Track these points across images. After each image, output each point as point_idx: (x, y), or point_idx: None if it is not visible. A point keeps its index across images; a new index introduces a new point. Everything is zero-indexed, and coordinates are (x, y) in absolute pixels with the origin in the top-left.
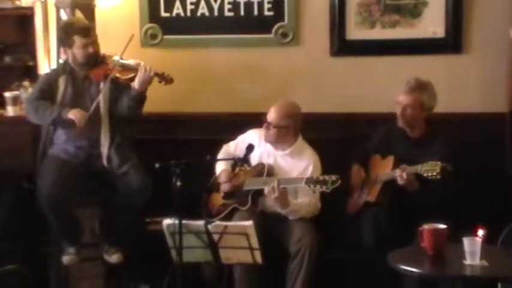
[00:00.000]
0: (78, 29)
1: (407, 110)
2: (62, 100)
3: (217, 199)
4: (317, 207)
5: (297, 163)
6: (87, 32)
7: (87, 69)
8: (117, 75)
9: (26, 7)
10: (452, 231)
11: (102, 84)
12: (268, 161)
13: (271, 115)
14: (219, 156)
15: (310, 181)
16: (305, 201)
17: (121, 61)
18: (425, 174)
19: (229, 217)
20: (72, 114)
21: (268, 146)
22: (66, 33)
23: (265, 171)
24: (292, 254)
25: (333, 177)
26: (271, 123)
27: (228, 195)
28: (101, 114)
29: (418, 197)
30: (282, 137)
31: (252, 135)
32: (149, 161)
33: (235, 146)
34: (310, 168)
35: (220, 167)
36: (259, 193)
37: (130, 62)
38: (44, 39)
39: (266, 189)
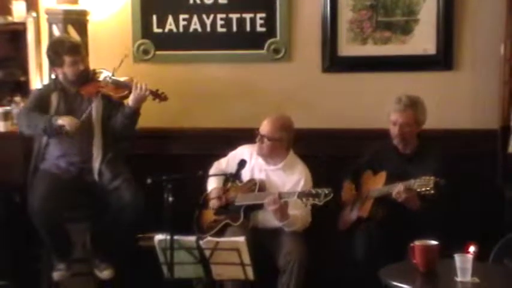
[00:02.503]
0: (67, 48)
1: (404, 129)
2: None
3: (209, 215)
4: (308, 221)
5: (289, 177)
6: (76, 50)
7: (78, 85)
8: (110, 93)
9: (18, 22)
10: (443, 248)
11: (94, 101)
12: (260, 176)
13: (265, 128)
14: (211, 173)
15: (302, 195)
16: (298, 214)
17: (113, 78)
18: (418, 190)
19: (221, 233)
20: (63, 120)
21: (260, 161)
22: (55, 54)
23: (256, 186)
24: (281, 268)
25: (326, 191)
26: (265, 136)
27: (219, 211)
28: (94, 130)
29: (418, 214)
30: (275, 150)
31: (243, 151)
32: (141, 176)
33: (226, 163)
34: (302, 182)
35: (212, 184)
36: (251, 208)
37: (123, 79)
38: (36, 54)
39: (266, 201)
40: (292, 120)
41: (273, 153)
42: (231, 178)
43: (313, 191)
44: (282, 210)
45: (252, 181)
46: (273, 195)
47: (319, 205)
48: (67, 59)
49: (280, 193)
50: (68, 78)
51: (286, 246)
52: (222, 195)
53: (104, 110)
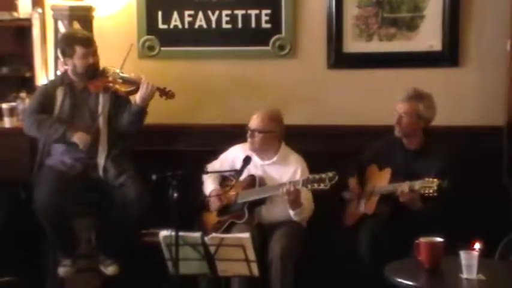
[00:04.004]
0: (80, 39)
1: (402, 118)
2: (59, 112)
3: (211, 217)
4: (312, 209)
5: (285, 169)
6: (89, 42)
7: (86, 80)
8: (118, 87)
9: (24, 18)
10: (449, 245)
11: (101, 97)
12: (256, 173)
13: (255, 121)
14: (205, 178)
15: (307, 182)
16: (304, 202)
17: (121, 74)
18: (421, 191)
19: (227, 233)
20: (77, 139)
21: (254, 159)
22: (67, 44)
23: (257, 181)
24: (268, 264)
25: (330, 174)
26: (256, 130)
27: (222, 211)
28: (99, 127)
29: (419, 214)
30: (267, 143)
31: (236, 151)
32: (146, 173)
33: (219, 165)
34: (299, 172)
35: (210, 186)
36: (254, 204)
37: (131, 75)
38: (42, 50)
39: (281, 191)
40: (280, 112)
41: (265, 146)
42: (235, 175)
43: (317, 177)
44: (296, 199)
45: (251, 177)
46: (287, 185)
47: (326, 189)
48: (78, 50)
49: (288, 183)
50: (77, 70)
51: (271, 240)
52: (222, 195)
53: (110, 107)
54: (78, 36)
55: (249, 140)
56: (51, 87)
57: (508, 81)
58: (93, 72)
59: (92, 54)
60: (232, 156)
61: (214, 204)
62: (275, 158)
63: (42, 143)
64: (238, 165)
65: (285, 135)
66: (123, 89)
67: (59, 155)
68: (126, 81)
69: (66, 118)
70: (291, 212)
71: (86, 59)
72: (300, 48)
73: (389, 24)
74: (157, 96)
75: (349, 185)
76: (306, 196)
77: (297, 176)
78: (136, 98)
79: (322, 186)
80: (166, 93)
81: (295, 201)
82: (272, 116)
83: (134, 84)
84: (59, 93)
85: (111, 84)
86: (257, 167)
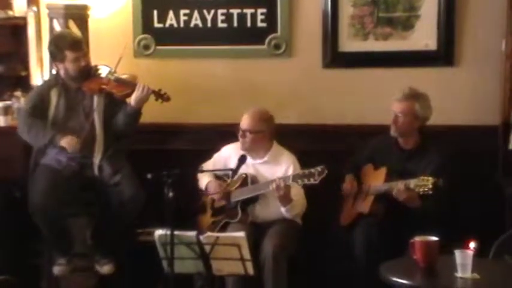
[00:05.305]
0: (69, 44)
1: (399, 117)
2: (55, 113)
3: (206, 219)
4: (305, 204)
5: (277, 167)
6: (78, 45)
7: (80, 81)
8: (113, 90)
9: (19, 17)
10: (444, 244)
11: (95, 97)
12: (248, 172)
13: (246, 122)
14: (200, 176)
15: (297, 177)
16: (295, 198)
17: (116, 76)
18: (416, 190)
19: (222, 232)
20: (65, 143)
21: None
22: (57, 48)
23: (249, 180)
24: (261, 262)
25: (319, 169)
26: (246, 130)
27: (215, 212)
28: (95, 128)
29: (414, 213)
30: (258, 142)
31: (228, 150)
32: (141, 172)
33: (213, 164)
34: (291, 170)
35: (205, 180)
36: (247, 203)
37: (126, 77)
38: (37, 49)
39: (271, 187)
40: (269, 112)
41: (256, 146)
42: (231, 174)
43: (307, 171)
44: (287, 194)
45: (243, 176)
46: (277, 181)
47: (316, 184)
48: (69, 55)
49: (277, 178)
50: (70, 73)
51: (264, 240)
52: (222, 186)
53: (105, 107)
54: (68, 40)
55: (240, 140)
56: (45, 88)
57: (502, 80)
58: (87, 73)
59: (83, 56)
60: (225, 156)
61: (214, 189)
62: (266, 157)
63: None
64: (231, 165)
65: (275, 133)
66: (118, 92)
67: (54, 154)
68: (121, 83)
69: (61, 119)
70: (282, 209)
71: (78, 63)
72: (296, 47)
73: (384, 23)
74: (154, 100)
75: (345, 182)
76: (297, 192)
77: (289, 174)
78: (131, 100)
79: (312, 181)
80: (161, 96)
81: (285, 197)
82: (261, 116)
83: (129, 87)
84: (54, 94)
85: (106, 87)
86: (249, 166)
